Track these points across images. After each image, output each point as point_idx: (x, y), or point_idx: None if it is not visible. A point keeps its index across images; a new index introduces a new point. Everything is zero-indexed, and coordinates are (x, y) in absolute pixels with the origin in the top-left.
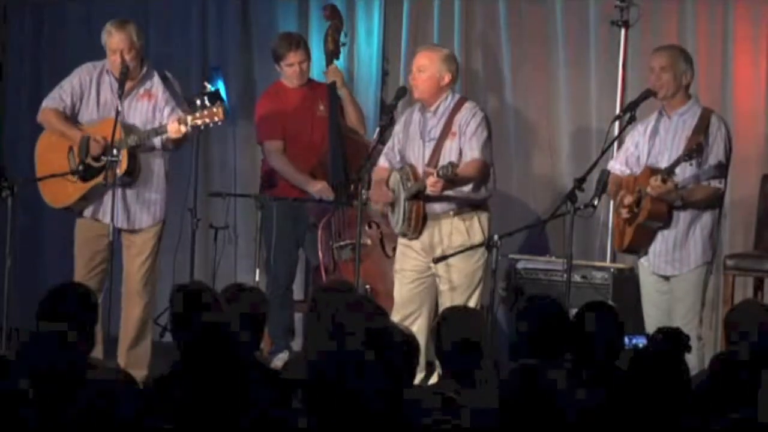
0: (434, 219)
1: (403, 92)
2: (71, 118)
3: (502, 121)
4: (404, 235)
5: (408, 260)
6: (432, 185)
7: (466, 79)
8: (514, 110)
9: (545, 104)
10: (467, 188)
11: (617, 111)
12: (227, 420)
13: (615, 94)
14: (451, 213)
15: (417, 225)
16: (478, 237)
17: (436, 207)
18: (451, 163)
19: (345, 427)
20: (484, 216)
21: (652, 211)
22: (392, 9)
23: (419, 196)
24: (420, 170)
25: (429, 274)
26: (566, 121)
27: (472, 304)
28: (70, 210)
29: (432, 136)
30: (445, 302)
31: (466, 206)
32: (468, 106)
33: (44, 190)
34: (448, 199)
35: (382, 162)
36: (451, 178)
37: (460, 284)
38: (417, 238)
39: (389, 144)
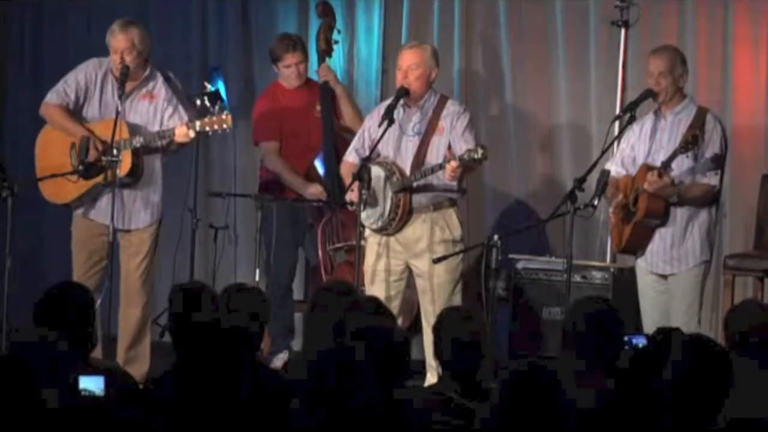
0: (415, 213)
1: (404, 92)
2: (74, 113)
3: (502, 121)
4: (384, 230)
5: (383, 259)
6: (452, 170)
7: (466, 79)
8: (514, 110)
9: (545, 104)
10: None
11: (617, 111)
12: (226, 420)
13: (615, 94)
14: (431, 208)
15: (402, 218)
16: (457, 231)
17: (417, 201)
18: (470, 150)
19: (344, 426)
20: (457, 210)
21: (649, 207)
22: (392, 8)
23: (405, 189)
24: (402, 165)
25: (405, 272)
26: (566, 121)
27: (456, 300)
28: (68, 206)
29: (416, 131)
30: (428, 300)
31: (444, 201)
32: (453, 102)
33: (43, 186)
34: (430, 193)
35: (353, 158)
36: (470, 164)
37: (445, 281)
38: (398, 232)
39: (358, 140)
